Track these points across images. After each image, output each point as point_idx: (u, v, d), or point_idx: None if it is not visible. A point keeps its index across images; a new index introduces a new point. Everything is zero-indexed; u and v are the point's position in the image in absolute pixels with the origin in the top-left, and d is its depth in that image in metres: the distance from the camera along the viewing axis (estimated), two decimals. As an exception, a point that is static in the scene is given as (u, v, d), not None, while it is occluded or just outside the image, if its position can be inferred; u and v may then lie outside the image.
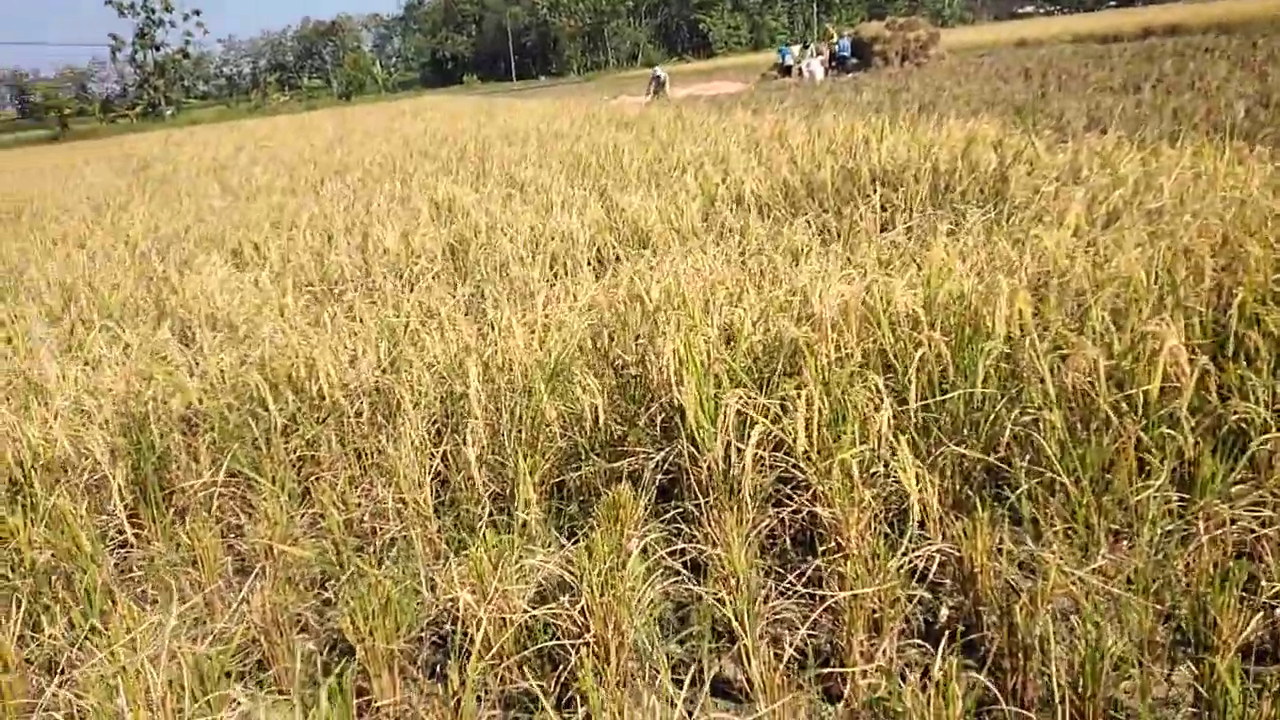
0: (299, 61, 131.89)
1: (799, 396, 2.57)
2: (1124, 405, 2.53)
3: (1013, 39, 33.24)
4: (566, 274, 4.62)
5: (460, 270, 4.90)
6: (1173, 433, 2.44)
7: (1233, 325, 2.59)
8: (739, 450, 2.77)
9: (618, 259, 4.74)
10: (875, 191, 5.79)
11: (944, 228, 4.08)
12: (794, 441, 2.50)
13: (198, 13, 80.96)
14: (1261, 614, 2.27)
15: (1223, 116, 8.88)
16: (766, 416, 2.72)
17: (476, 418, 2.92)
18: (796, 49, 34.65)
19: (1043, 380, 2.49)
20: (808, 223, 5.04)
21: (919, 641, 2.38)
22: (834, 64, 29.26)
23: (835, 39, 30.50)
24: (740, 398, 2.58)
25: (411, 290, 4.35)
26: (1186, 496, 2.48)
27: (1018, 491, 2.50)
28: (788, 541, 2.89)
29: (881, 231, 5.20)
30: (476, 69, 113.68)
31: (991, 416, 2.62)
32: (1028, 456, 2.55)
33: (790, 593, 2.62)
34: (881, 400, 2.61)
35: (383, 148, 13.38)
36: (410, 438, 3.09)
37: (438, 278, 4.81)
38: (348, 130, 21.27)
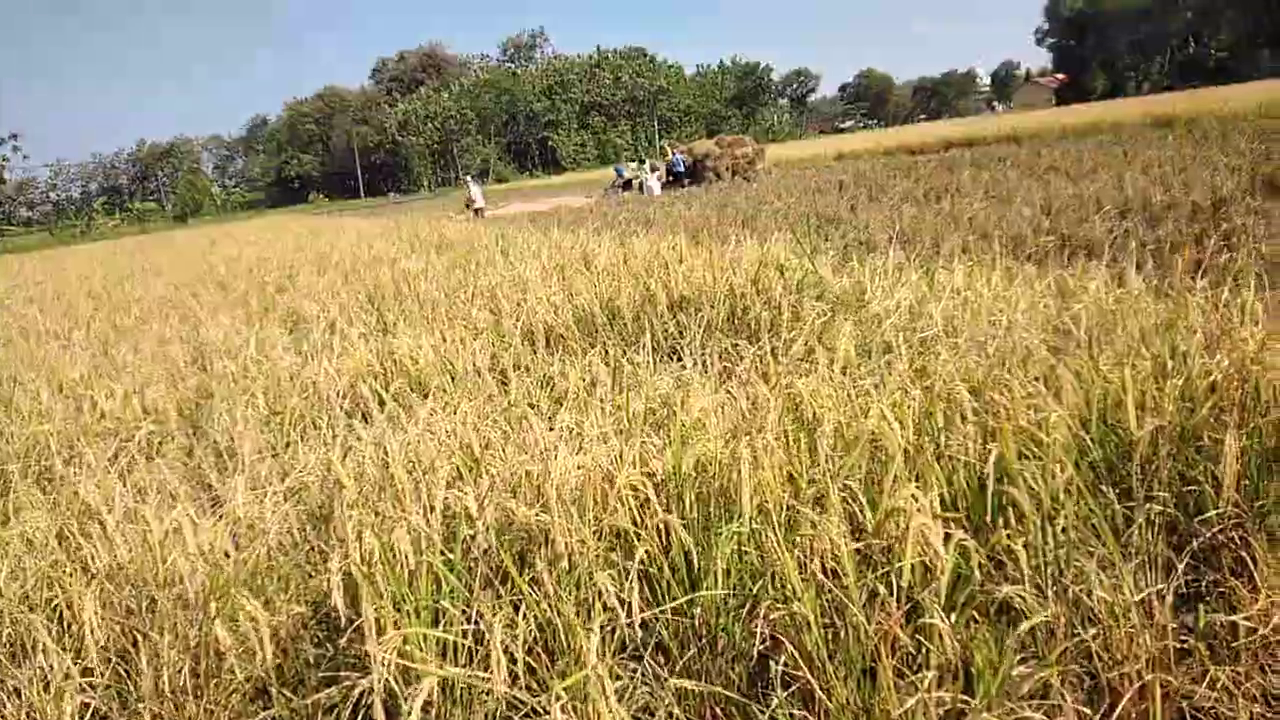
0: (133, 184, 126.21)
1: (502, 612, 2.08)
2: (883, 589, 2.18)
3: (832, 153, 35.66)
4: (316, 431, 4.03)
5: (195, 433, 4.21)
6: (933, 621, 2.09)
7: (991, 484, 2.33)
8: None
9: (382, 406, 4.20)
10: (673, 317, 5.56)
11: (715, 367, 3.80)
12: (492, 676, 1.99)
13: (15, 136, 76.80)
14: None
15: (1010, 226, 9.42)
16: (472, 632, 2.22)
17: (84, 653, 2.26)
18: (633, 165, 36.01)
19: (783, 568, 2.10)
20: (599, 353, 4.68)
21: None
22: (670, 178, 30.46)
23: (670, 155, 31.86)
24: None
25: (113, 467, 3.63)
26: (964, 698, 2.13)
27: (770, 709, 2.07)
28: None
29: (673, 358, 4.93)
30: (325, 187, 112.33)
31: (737, 619, 2.22)
32: (782, 662, 2.15)
33: None
34: (612, 613, 2.17)
35: (183, 278, 12.39)
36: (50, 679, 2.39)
37: (164, 445, 4.11)
38: (154, 259, 19.94)
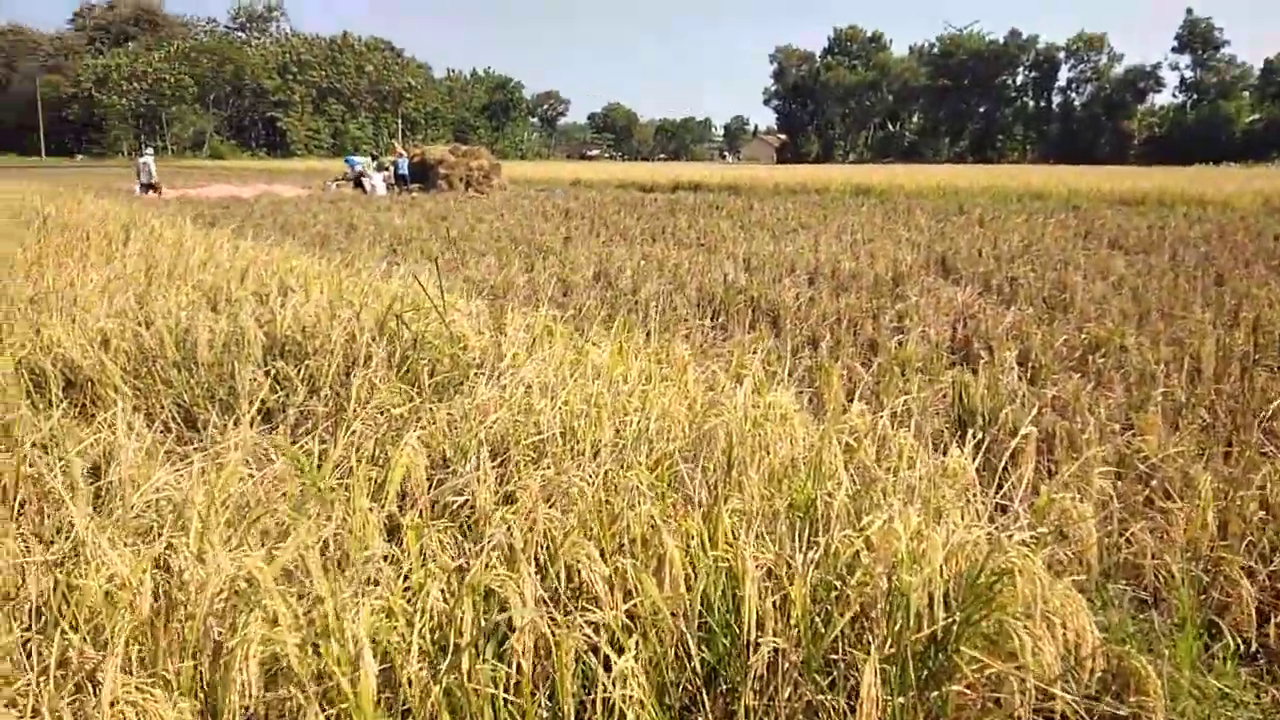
0: None
1: None
2: None
3: (571, 178, 35.53)
4: None
5: None
6: None
7: None
8: None
9: None
10: (268, 366, 4.26)
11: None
12: None
13: None
14: None
15: (708, 278, 9.08)
16: None
17: None
18: (366, 161, 33.39)
19: None
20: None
21: None
22: (398, 181, 28.57)
23: (399, 156, 29.95)
24: None
25: None
26: None
27: None
28: None
29: (269, 425, 3.70)
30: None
31: None
32: None
33: None
34: None
35: None
36: None
37: None
38: None
